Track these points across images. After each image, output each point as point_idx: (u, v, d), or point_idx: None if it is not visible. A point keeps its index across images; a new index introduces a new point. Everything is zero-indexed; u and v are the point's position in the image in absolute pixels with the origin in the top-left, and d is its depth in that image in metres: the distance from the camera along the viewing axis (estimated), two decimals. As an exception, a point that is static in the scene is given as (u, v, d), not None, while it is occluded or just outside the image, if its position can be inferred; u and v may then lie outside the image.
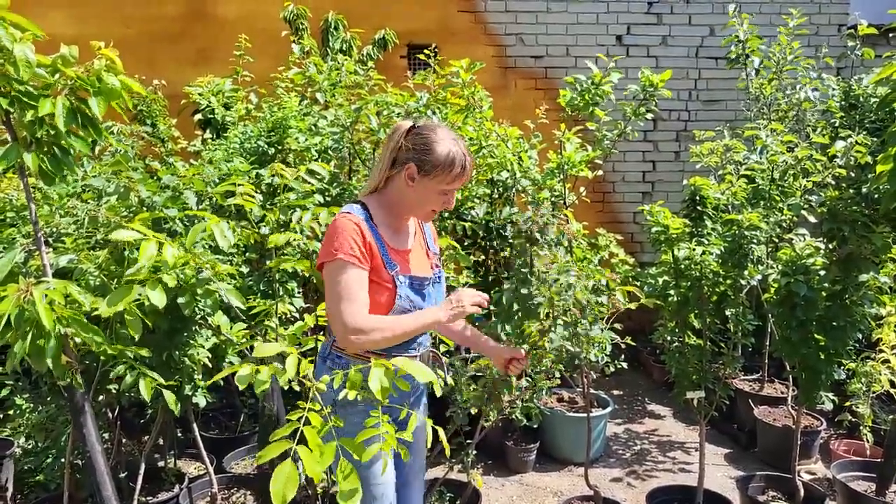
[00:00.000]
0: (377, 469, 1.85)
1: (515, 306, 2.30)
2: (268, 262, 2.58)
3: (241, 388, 1.51)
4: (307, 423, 1.40)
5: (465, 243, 3.79)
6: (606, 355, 2.97)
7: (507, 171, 3.62)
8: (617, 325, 3.21)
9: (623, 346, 3.32)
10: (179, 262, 2.11)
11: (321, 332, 2.60)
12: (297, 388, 1.84)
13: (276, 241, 2.34)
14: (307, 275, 2.65)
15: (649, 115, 3.57)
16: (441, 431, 1.68)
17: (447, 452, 1.77)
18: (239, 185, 2.48)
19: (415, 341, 1.98)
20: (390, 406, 1.79)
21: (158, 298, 2.02)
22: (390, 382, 1.46)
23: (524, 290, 2.26)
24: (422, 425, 2.00)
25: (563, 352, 2.32)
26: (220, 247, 2.17)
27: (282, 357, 1.57)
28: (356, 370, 1.53)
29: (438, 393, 2.06)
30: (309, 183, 2.75)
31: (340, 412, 1.79)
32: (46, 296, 1.88)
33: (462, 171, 1.88)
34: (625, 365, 3.28)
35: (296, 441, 1.35)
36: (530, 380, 2.99)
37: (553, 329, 2.30)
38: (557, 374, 2.72)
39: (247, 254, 2.99)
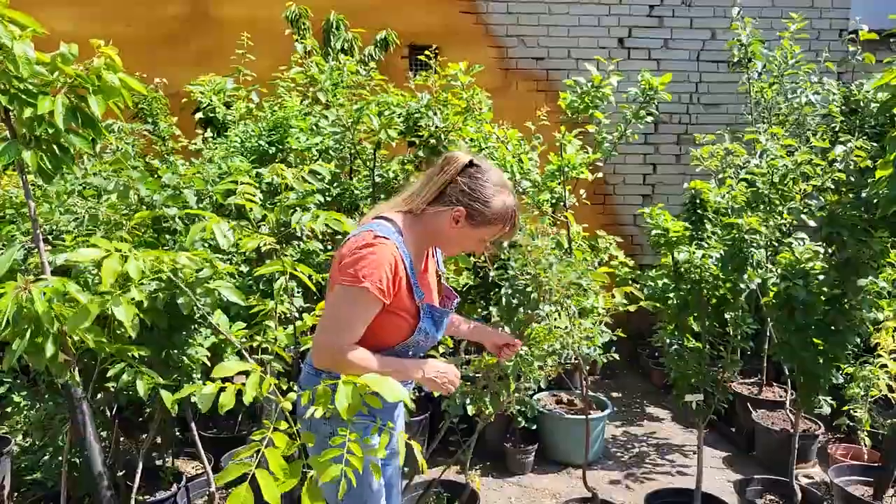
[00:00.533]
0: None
1: (514, 301, 2.40)
2: (266, 262, 2.57)
3: (202, 410, 1.44)
4: (270, 444, 1.33)
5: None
6: (598, 347, 2.97)
7: (508, 172, 3.62)
8: (617, 330, 3.21)
9: (615, 338, 3.30)
10: (154, 268, 1.98)
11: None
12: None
13: (245, 246, 2.28)
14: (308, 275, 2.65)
15: (650, 119, 3.57)
16: (417, 447, 1.62)
17: (424, 470, 1.74)
18: (241, 182, 2.47)
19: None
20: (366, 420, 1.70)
21: (124, 314, 1.89)
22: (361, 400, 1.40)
23: (510, 272, 2.39)
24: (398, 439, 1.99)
25: (556, 332, 2.39)
26: (221, 246, 2.15)
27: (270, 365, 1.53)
28: (326, 386, 1.47)
29: (436, 393, 2.06)
30: (309, 183, 2.74)
31: (335, 425, 1.76)
32: (45, 293, 1.87)
33: (511, 229, 1.86)
34: (616, 356, 3.25)
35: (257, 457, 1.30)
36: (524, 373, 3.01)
37: (541, 305, 2.42)
38: (551, 365, 2.72)
39: (246, 253, 2.99)
